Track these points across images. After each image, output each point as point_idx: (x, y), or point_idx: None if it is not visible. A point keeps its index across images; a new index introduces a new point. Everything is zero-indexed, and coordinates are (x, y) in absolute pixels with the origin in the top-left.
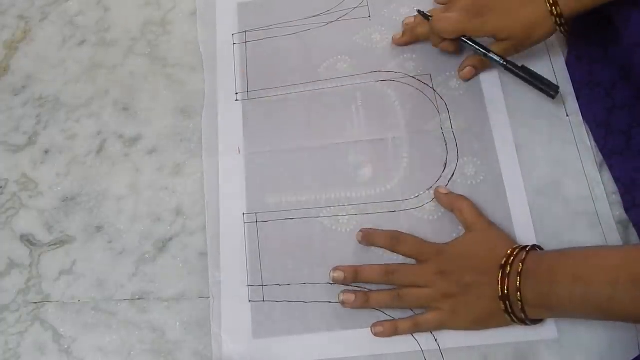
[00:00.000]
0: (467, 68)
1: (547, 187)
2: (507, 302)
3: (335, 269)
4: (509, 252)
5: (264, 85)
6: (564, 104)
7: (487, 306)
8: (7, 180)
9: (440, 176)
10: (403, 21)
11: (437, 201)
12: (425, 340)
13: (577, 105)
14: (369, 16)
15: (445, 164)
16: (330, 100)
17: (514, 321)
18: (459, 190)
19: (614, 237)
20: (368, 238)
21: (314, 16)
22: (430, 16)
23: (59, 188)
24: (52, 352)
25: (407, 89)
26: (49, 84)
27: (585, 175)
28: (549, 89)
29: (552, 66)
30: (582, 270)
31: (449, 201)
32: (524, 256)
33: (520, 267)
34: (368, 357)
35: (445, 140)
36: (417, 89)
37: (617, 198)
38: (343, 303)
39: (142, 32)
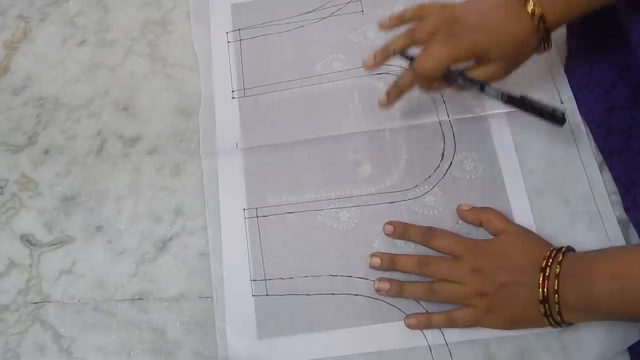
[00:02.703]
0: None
1: (547, 187)
2: (547, 305)
3: (373, 255)
4: (547, 254)
5: (259, 82)
6: (563, 104)
7: (524, 308)
8: (7, 180)
9: (438, 166)
10: (366, 62)
11: (463, 219)
12: (431, 335)
13: (577, 106)
14: (362, 11)
15: (443, 154)
16: (327, 95)
17: (550, 324)
18: (458, 184)
19: (615, 237)
20: (400, 232)
21: (307, 12)
22: (412, 58)
23: (59, 188)
24: (52, 352)
25: None
26: (49, 84)
27: (586, 175)
28: (554, 119)
29: (549, 68)
30: (619, 267)
31: (475, 215)
32: (560, 258)
33: (558, 269)
34: (375, 353)
35: (442, 132)
36: None
37: (617, 198)
38: (378, 290)
39: (142, 32)
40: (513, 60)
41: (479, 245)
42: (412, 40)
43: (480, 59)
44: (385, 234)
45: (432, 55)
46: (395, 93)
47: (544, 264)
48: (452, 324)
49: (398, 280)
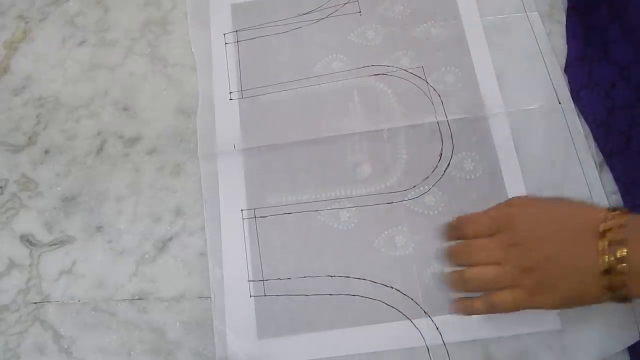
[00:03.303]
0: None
1: (547, 187)
2: (610, 277)
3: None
4: (602, 216)
5: (258, 83)
6: (562, 104)
7: (579, 282)
8: (7, 180)
9: (436, 167)
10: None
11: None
12: (430, 335)
13: (577, 106)
14: (359, 12)
15: (441, 154)
16: (326, 96)
17: (612, 299)
18: (457, 184)
19: None
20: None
21: (304, 14)
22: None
23: (59, 188)
24: (52, 352)
25: (400, 82)
26: (49, 84)
27: (585, 176)
28: None
29: (547, 68)
30: None
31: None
32: (623, 221)
33: (621, 234)
34: (373, 353)
35: (440, 132)
36: (410, 81)
37: (616, 198)
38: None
39: (142, 32)
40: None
41: (514, 216)
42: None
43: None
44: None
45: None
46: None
47: (601, 228)
48: (492, 309)
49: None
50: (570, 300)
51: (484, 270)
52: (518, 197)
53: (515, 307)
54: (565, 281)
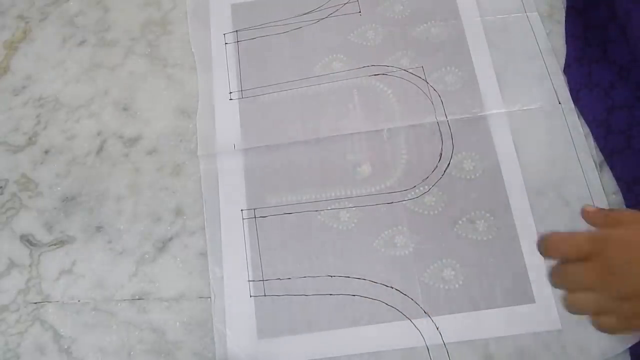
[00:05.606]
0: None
1: (547, 187)
2: None
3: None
4: None
5: (258, 83)
6: (562, 104)
7: None
8: (7, 180)
9: (436, 167)
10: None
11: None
12: (429, 335)
13: (577, 106)
14: (359, 12)
15: (441, 154)
16: (326, 96)
17: None
18: (458, 184)
19: None
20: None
21: (304, 14)
22: None
23: (59, 188)
24: (52, 352)
25: (400, 82)
26: (49, 84)
27: (584, 176)
28: None
29: (547, 69)
30: None
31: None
32: None
33: None
34: (372, 353)
35: (440, 132)
36: (410, 81)
37: (616, 198)
38: None
39: (142, 32)
40: None
41: (609, 239)
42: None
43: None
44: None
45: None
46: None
47: None
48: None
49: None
50: None
51: (579, 298)
52: (619, 211)
53: (619, 332)
54: None
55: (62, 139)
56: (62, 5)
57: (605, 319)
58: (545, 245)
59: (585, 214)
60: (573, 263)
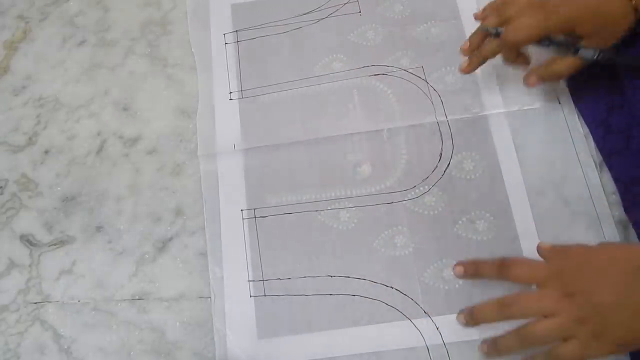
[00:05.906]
0: (534, 76)
1: (547, 187)
2: None
3: (461, 313)
4: None
5: (258, 83)
6: (562, 104)
7: (638, 328)
8: (7, 180)
9: (436, 167)
10: (462, 47)
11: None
12: (429, 335)
13: (577, 106)
14: (359, 12)
15: (441, 155)
16: (326, 96)
17: None
18: (458, 185)
19: (614, 238)
20: (472, 271)
21: (304, 14)
22: (500, 30)
23: (59, 188)
24: (52, 352)
25: (400, 82)
26: (49, 84)
27: (584, 176)
28: None
29: None
30: None
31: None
32: None
33: None
34: (372, 353)
35: (440, 132)
36: (410, 81)
37: (616, 198)
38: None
39: (142, 32)
40: (605, 38)
41: (564, 264)
42: (503, 17)
43: (570, 33)
44: (456, 276)
45: (523, 26)
46: (478, 60)
47: None
48: None
49: (494, 337)
50: (629, 345)
51: (547, 323)
52: (553, 247)
53: (579, 357)
54: (622, 329)
55: (62, 139)
56: (62, 5)
57: (567, 347)
58: (509, 267)
59: (538, 249)
60: (527, 292)
